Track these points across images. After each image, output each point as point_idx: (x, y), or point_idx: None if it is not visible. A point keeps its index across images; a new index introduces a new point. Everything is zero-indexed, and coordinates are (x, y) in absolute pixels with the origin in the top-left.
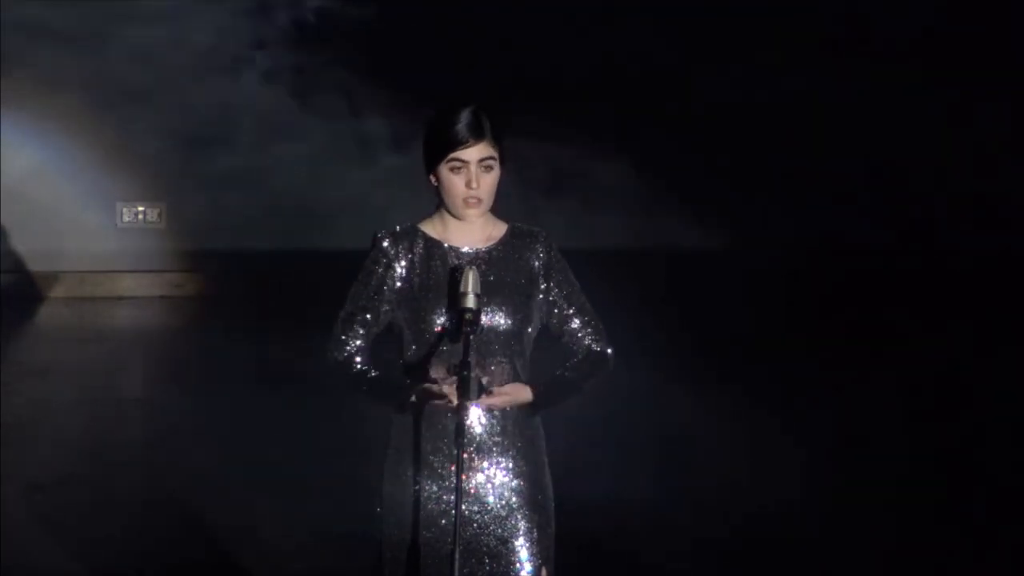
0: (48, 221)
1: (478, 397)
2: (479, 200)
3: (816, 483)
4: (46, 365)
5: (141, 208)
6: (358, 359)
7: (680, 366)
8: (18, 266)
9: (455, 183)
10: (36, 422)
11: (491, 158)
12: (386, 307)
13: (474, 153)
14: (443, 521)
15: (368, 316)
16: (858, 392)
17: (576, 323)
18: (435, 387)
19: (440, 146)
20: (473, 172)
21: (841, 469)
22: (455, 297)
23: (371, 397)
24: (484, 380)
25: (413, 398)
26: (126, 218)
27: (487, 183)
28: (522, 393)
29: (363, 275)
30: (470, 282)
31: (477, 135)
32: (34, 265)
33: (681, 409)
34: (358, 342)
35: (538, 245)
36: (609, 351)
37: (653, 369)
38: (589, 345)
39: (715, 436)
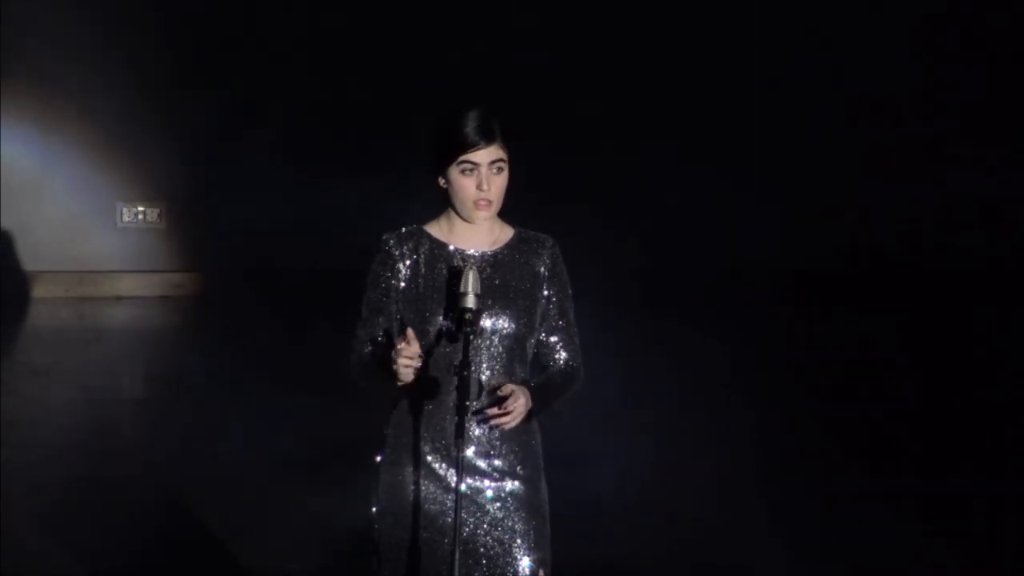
0: (48, 221)
1: (479, 397)
2: (489, 202)
3: None
4: (46, 365)
5: (141, 208)
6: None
7: None
8: (18, 266)
9: (466, 185)
10: (36, 422)
11: (501, 160)
12: (395, 308)
13: (485, 155)
14: (440, 521)
15: (381, 319)
16: None
17: (558, 336)
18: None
19: (450, 148)
20: (484, 174)
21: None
22: (455, 297)
23: (374, 381)
24: (483, 379)
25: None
26: (126, 218)
27: (497, 185)
28: (527, 400)
29: (371, 279)
30: (470, 282)
31: (488, 137)
32: (34, 265)
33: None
34: (376, 347)
35: (544, 251)
36: (582, 368)
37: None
38: (566, 360)
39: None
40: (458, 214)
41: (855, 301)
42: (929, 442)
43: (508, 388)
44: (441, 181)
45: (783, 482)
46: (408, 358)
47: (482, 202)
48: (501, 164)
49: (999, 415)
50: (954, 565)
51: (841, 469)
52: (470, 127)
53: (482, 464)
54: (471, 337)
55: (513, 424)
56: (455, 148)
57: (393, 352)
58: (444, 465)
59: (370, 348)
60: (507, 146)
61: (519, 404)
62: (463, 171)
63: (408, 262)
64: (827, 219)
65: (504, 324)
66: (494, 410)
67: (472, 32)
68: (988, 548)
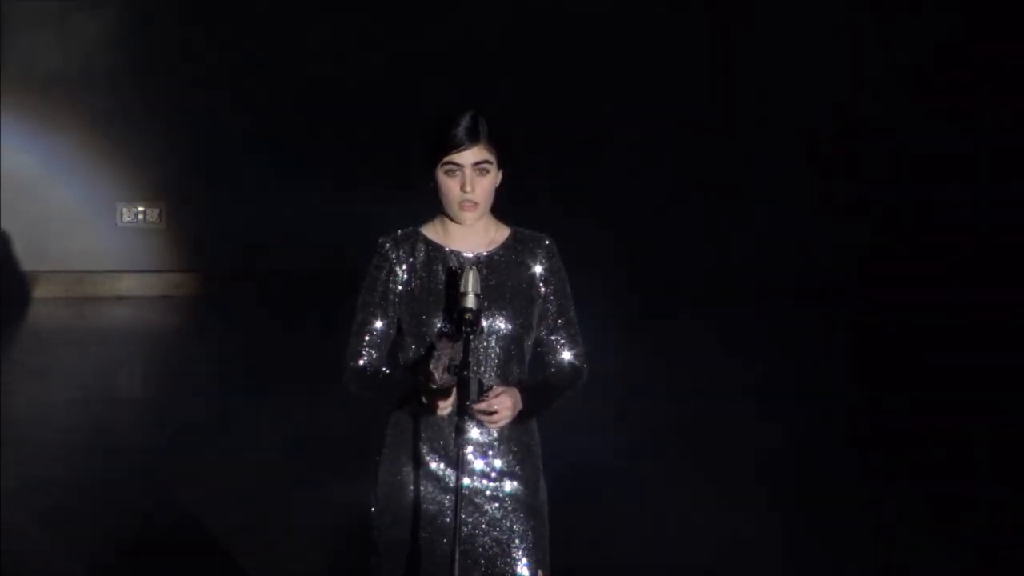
0: (48, 221)
1: (478, 398)
2: (474, 204)
3: None
4: (46, 365)
5: (141, 208)
6: (375, 365)
7: None
8: (18, 266)
9: (450, 186)
10: (36, 422)
11: (486, 162)
12: (392, 312)
13: (468, 156)
14: (439, 521)
15: (379, 323)
16: None
17: (559, 335)
18: (434, 389)
19: (436, 149)
20: (467, 175)
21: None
22: (455, 298)
23: (380, 395)
24: (484, 382)
25: (424, 400)
26: (126, 218)
27: (482, 187)
28: (515, 401)
29: (368, 282)
30: (470, 282)
31: (472, 138)
32: (34, 265)
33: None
34: (373, 351)
35: (540, 251)
36: (585, 367)
37: None
38: (569, 360)
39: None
40: (448, 216)
41: None
42: None
43: (497, 390)
44: (431, 183)
45: (804, 494)
46: (448, 404)
47: (466, 203)
48: (486, 166)
49: None
50: None
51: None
52: (455, 128)
53: (480, 464)
54: (471, 337)
55: (500, 424)
56: (440, 149)
57: (427, 391)
58: (442, 465)
59: (378, 361)
60: (495, 148)
61: (503, 405)
62: (447, 172)
63: (405, 265)
64: None
65: (501, 325)
66: (480, 406)
67: (472, 31)
68: None
